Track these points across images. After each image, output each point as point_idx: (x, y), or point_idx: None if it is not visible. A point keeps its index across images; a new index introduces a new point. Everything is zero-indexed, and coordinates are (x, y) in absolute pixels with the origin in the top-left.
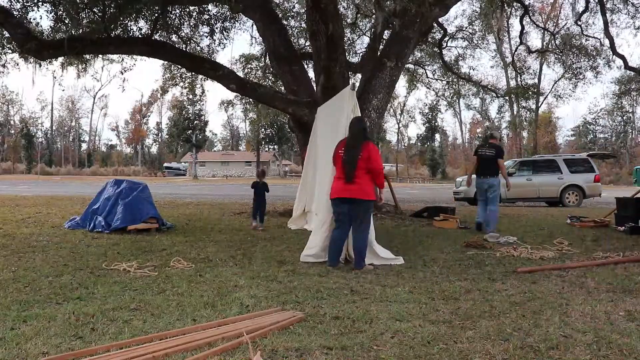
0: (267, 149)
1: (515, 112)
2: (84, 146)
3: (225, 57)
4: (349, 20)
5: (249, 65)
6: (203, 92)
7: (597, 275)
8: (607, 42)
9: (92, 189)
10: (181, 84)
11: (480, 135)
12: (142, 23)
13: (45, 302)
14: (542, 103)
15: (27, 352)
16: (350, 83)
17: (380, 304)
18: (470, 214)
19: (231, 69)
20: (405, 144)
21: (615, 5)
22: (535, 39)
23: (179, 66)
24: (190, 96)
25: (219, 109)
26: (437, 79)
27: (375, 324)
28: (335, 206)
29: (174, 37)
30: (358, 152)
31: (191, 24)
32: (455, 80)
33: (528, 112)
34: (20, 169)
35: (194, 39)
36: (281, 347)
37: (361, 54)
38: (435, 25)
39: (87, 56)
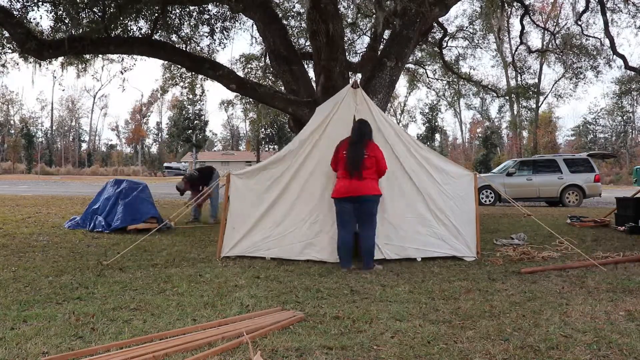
0: (267, 149)
1: (515, 112)
2: (84, 146)
3: (225, 57)
4: (349, 20)
5: (249, 65)
6: (203, 92)
7: (597, 275)
8: (607, 41)
9: (92, 189)
10: (181, 83)
11: (480, 135)
12: (142, 23)
13: (45, 302)
14: (542, 103)
15: (27, 352)
16: (352, 80)
17: (380, 304)
18: None
19: (231, 69)
20: None
21: (616, 4)
22: (535, 39)
23: (179, 66)
24: (190, 96)
25: (219, 109)
26: (437, 79)
27: (375, 324)
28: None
29: (174, 37)
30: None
31: (191, 23)
32: (455, 80)
33: (528, 112)
34: (20, 168)
35: (194, 39)
36: (281, 347)
37: (361, 54)
38: (435, 25)
39: (87, 56)
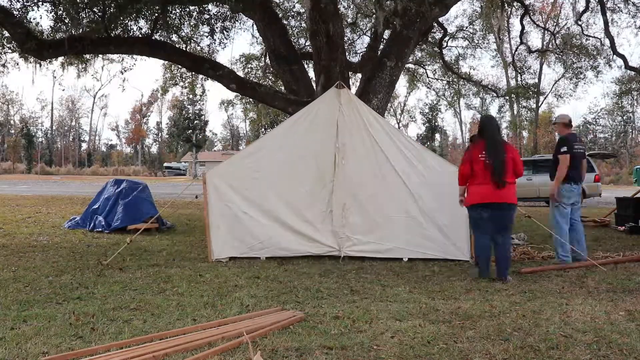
0: None
1: (515, 112)
2: (84, 146)
3: (225, 57)
4: (349, 20)
5: (249, 65)
6: (203, 91)
7: (597, 275)
8: (607, 41)
9: (92, 189)
10: (181, 83)
11: None
12: (142, 23)
13: (45, 302)
14: (542, 103)
15: (27, 351)
16: (336, 83)
17: (380, 304)
18: None
19: (231, 69)
20: None
21: (616, 4)
22: (535, 39)
23: (179, 66)
24: (191, 96)
25: (219, 108)
26: (437, 79)
27: (375, 324)
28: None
29: (174, 37)
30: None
31: (191, 23)
32: (455, 80)
33: (528, 112)
34: (20, 168)
35: (194, 39)
36: (281, 347)
37: (361, 54)
38: (435, 25)
39: (87, 56)
